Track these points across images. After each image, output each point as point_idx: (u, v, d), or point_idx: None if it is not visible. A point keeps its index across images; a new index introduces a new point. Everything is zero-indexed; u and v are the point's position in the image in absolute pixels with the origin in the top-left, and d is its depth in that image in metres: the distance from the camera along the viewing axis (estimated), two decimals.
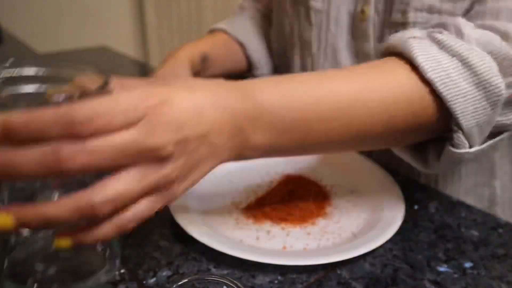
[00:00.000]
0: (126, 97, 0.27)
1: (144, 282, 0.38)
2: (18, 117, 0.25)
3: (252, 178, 0.55)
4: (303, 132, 0.37)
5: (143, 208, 0.30)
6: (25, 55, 1.28)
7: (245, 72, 0.76)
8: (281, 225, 0.45)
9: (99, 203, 0.27)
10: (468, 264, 0.40)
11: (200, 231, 0.41)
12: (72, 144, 0.26)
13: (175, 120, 0.29)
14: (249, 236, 0.44)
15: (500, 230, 0.45)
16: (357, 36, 0.59)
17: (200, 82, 0.35)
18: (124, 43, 2.54)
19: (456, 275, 0.39)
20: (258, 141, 0.36)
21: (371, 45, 0.58)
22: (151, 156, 0.29)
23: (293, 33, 0.66)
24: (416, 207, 0.49)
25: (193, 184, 0.34)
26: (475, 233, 0.45)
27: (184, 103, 0.30)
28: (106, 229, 0.29)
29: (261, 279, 0.38)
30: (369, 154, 0.65)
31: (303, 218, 0.46)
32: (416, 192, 0.52)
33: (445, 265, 0.40)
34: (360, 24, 0.58)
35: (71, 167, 0.26)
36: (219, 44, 0.71)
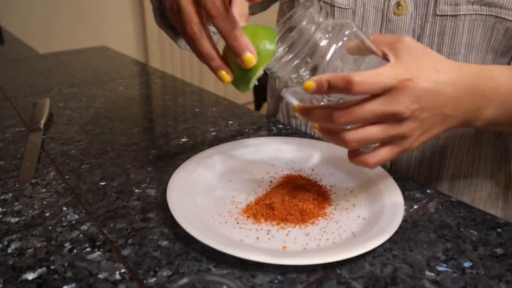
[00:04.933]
0: (389, 72, 0.37)
1: (144, 282, 0.38)
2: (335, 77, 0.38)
3: (252, 178, 0.55)
4: None
5: (384, 152, 0.41)
6: (27, 55, 1.28)
7: None
8: (281, 225, 0.46)
9: (349, 138, 0.40)
10: (467, 264, 0.40)
11: (200, 231, 0.41)
12: (342, 110, 0.38)
13: (416, 93, 0.38)
14: (249, 236, 0.44)
15: (499, 230, 0.45)
16: (389, 33, 0.57)
17: (447, 64, 0.41)
18: (124, 43, 2.54)
19: (455, 275, 0.39)
20: (488, 116, 0.44)
21: None
22: (393, 118, 0.39)
23: None
24: (415, 207, 0.49)
25: (422, 142, 0.43)
26: (474, 232, 0.45)
27: (427, 83, 0.39)
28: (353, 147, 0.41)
29: (261, 279, 0.39)
30: None
31: (303, 218, 0.46)
32: (416, 192, 0.52)
33: (445, 265, 0.40)
34: (393, 20, 0.57)
35: (339, 122, 0.39)
36: None
